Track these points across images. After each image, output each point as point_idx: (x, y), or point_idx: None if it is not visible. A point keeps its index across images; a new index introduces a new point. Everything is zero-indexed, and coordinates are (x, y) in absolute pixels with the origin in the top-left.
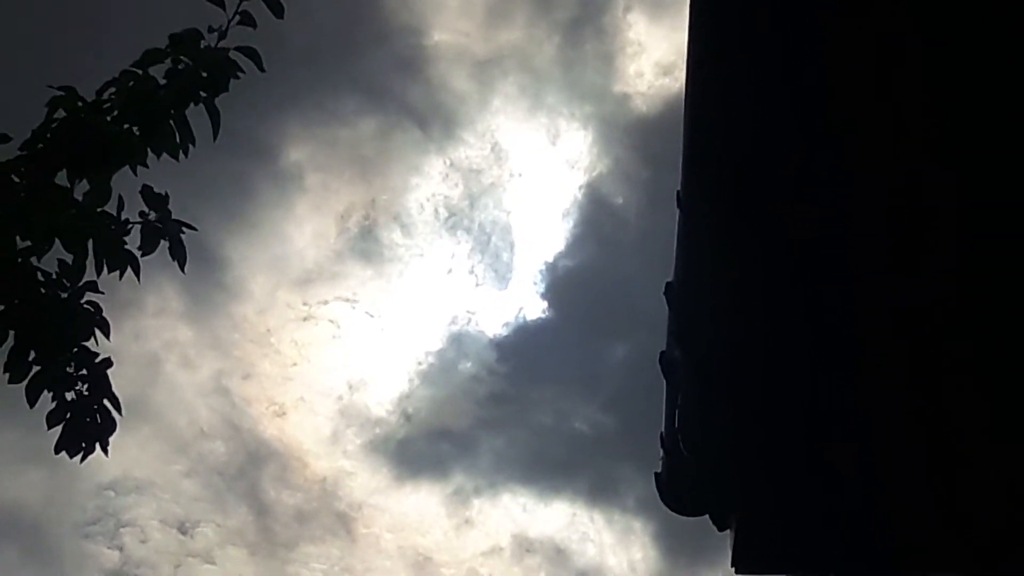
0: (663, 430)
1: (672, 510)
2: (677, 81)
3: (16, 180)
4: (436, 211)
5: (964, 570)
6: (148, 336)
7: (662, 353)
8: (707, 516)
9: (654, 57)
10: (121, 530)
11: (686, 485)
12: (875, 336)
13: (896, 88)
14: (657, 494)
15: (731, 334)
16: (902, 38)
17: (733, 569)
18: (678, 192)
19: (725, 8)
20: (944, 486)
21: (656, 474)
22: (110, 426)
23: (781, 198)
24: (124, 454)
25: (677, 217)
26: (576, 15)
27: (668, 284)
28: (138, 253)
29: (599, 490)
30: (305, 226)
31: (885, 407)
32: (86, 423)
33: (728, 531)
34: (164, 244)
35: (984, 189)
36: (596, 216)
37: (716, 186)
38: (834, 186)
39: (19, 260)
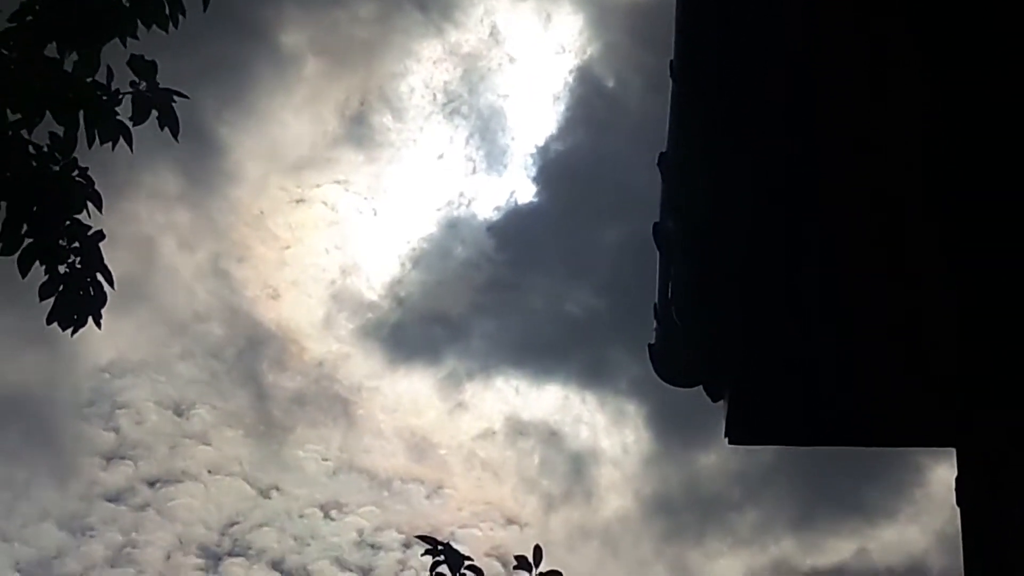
0: (656, 301)
1: (666, 381)
2: None
3: (5, 52)
4: (432, 96)
5: (946, 440)
6: (142, 218)
7: (656, 224)
8: (700, 388)
9: None
10: (117, 412)
11: (680, 355)
12: (860, 203)
13: None
14: (651, 366)
15: (724, 202)
16: None
17: (727, 439)
18: (671, 61)
19: None
20: (918, 344)
21: (650, 345)
22: (102, 299)
23: (774, 66)
24: (119, 336)
25: (670, 87)
26: None
27: (662, 155)
28: (130, 123)
29: (591, 373)
30: (300, 109)
31: (870, 273)
32: (78, 295)
33: (721, 402)
34: (155, 116)
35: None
36: (589, 99)
37: (710, 54)
38: (824, 55)
39: (10, 133)
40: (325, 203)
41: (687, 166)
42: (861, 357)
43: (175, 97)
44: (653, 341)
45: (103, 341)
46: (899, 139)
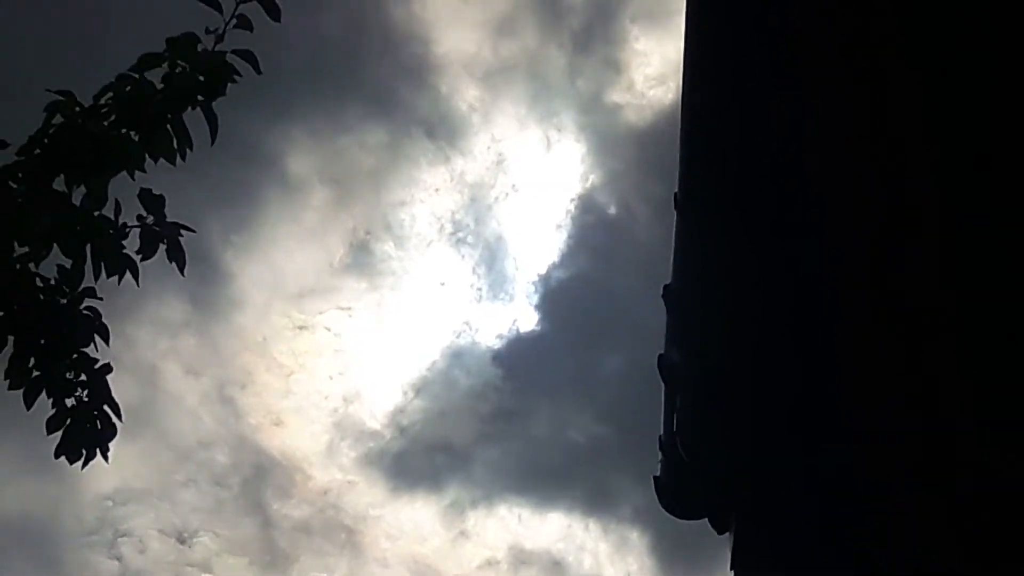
0: (662, 433)
1: (671, 514)
2: (670, 91)
3: (14, 185)
4: (436, 223)
5: (960, 571)
6: (146, 343)
7: (660, 356)
8: (706, 520)
9: (647, 68)
10: (120, 540)
11: (685, 488)
12: (870, 336)
13: (888, 91)
14: (656, 498)
15: (729, 336)
16: (892, 42)
17: (732, 572)
18: (675, 194)
19: (721, 13)
20: (938, 486)
21: (655, 478)
22: (110, 432)
23: (777, 199)
24: (122, 463)
25: (675, 219)
26: (582, 26)
27: (666, 287)
28: (137, 257)
29: (595, 500)
30: (306, 236)
31: (881, 408)
32: (86, 429)
33: (727, 534)
34: (163, 248)
35: (971, 195)
36: (592, 227)
37: (713, 187)
38: (828, 187)
39: (17, 266)
40: (329, 329)
41: (692, 298)
42: (868, 491)
43: (182, 231)
44: (658, 473)
45: (107, 468)
46: (904, 266)
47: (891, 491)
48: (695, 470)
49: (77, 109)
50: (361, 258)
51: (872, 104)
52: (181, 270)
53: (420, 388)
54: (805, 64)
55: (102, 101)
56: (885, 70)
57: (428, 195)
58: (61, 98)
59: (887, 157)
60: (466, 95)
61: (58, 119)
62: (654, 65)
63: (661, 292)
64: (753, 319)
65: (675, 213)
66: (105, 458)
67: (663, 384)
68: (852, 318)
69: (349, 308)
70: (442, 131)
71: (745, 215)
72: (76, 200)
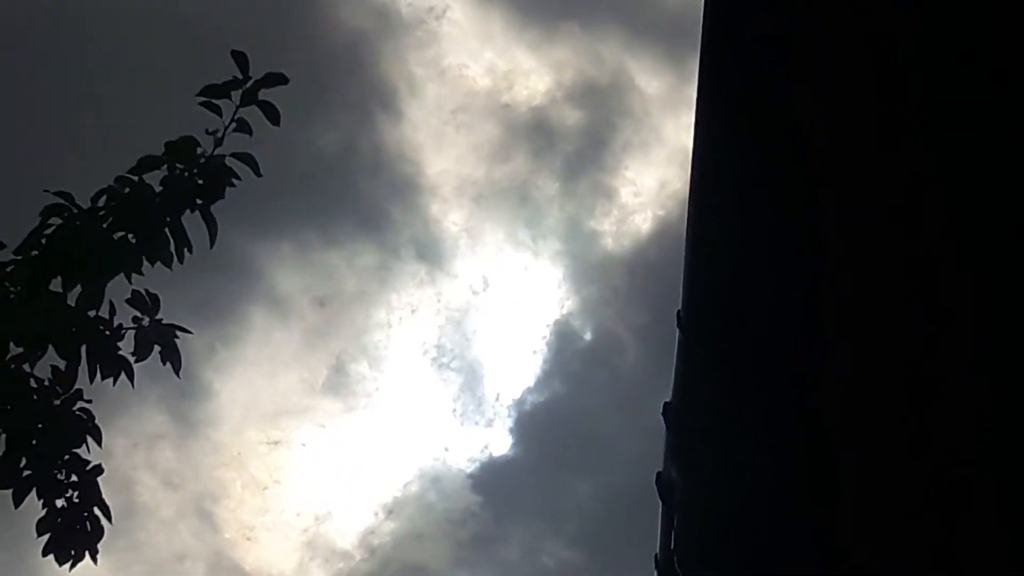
0: (658, 551)
1: None
2: (648, 220)
3: (10, 286)
4: (415, 346)
5: None
6: (123, 454)
7: (659, 474)
8: None
9: (628, 196)
10: None
11: None
12: (870, 458)
13: (898, 225)
14: None
15: (729, 454)
16: (899, 180)
17: None
18: (678, 312)
19: (725, 140)
20: None
21: None
22: (99, 533)
23: (780, 319)
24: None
25: (677, 337)
26: (571, 152)
27: (666, 404)
28: (132, 359)
29: None
30: (287, 353)
31: (880, 533)
32: (75, 530)
33: None
34: (157, 351)
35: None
36: (568, 352)
37: (717, 307)
38: (831, 310)
39: (12, 366)
40: (304, 445)
41: (692, 416)
42: None
43: (177, 332)
44: None
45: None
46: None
47: None
48: None
49: (75, 211)
50: (340, 377)
51: (879, 238)
52: (176, 372)
53: (392, 509)
54: (808, 192)
55: (100, 203)
56: (895, 202)
57: (410, 316)
58: (60, 200)
59: (898, 298)
60: (454, 217)
61: (56, 220)
62: (635, 193)
63: (661, 410)
64: (753, 437)
65: (677, 331)
66: (94, 559)
67: (661, 502)
68: (853, 440)
69: (325, 426)
70: (429, 252)
71: (746, 334)
72: (72, 301)
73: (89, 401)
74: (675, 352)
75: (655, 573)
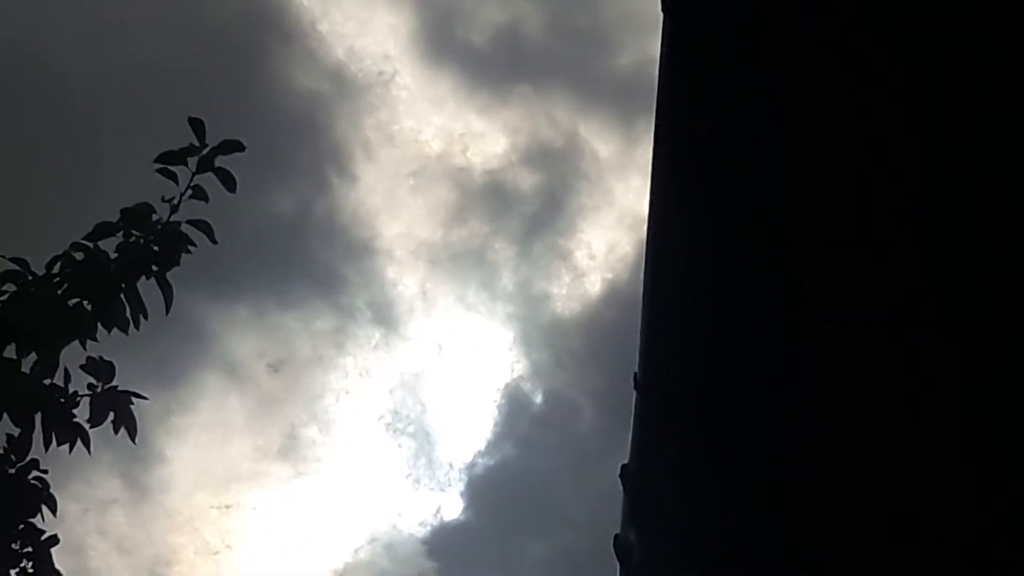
0: None
1: None
2: (597, 283)
3: None
4: (368, 411)
5: None
6: (74, 518)
7: (616, 536)
8: None
9: (580, 259)
10: None
11: None
12: (834, 522)
13: (868, 284)
14: None
15: (689, 516)
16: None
17: None
18: (635, 374)
19: (680, 201)
20: None
21: None
22: None
23: (735, 378)
24: None
25: (634, 399)
26: (525, 216)
27: (623, 466)
28: (87, 426)
29: None
30: (240, 418)
31: None
32: None
33: None
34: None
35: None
36: (518, 415)
37: (673, 369)
38: (789, 371)
39: None
40: (255, 510)
41: (650, 478)
42: None
43: (133, 399)
44: None
45: None
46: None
47: None
48: None
49: (30, 277)
50: (292, 442)
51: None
52: (132, 438)
53: (344, 574)
54: (769, 251)
55: (55, 270)
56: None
57: (363, 380)
58: (14, 266)
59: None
60: (408, 280)
61: (10, 287)
62: (589, 256)
63: (619, 472)
64: (714, 498)
65: (634, 393)
66: None
67: (619, 564)
68: (818, 500)
69: (276, 491)
70: (384, 316)
71: (704, 392)
72: (26, 368)
73: (45, 471)
74: (632, 414)
75: None
